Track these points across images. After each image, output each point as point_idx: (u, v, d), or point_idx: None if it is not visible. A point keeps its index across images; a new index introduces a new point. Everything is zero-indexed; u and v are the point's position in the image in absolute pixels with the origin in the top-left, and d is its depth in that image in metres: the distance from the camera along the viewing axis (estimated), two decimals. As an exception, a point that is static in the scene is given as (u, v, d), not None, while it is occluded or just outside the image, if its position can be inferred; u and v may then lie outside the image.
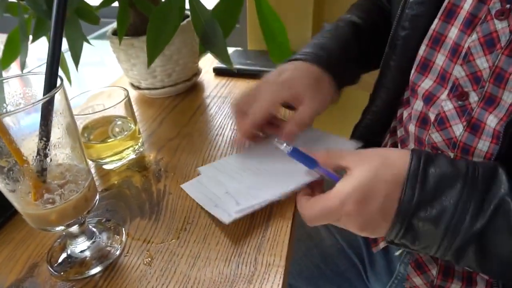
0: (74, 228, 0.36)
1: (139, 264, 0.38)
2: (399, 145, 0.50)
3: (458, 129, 0.40)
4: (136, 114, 0.66)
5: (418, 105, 0.44)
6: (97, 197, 0.37)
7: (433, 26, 0.41)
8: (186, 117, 0.63)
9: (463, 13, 0.39)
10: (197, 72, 0.74)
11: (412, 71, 0.44)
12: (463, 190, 0.33)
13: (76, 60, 0.53)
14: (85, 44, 0.56)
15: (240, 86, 0.74)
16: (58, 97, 0.31)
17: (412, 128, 0.45)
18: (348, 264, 0.61)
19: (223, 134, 0.58)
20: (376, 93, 0.52)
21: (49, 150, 0.32)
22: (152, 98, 0.71)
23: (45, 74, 0.31)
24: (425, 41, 0.42)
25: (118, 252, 0.39)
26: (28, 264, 0.38)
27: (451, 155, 0.41)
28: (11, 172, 0.31)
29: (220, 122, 0.61)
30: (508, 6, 0.35)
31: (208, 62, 0.83)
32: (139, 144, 0.54)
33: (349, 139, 0.54)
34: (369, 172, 0.35)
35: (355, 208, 0.35)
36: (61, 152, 0.33)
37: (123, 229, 0.41)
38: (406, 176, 0.34)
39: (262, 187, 0.44)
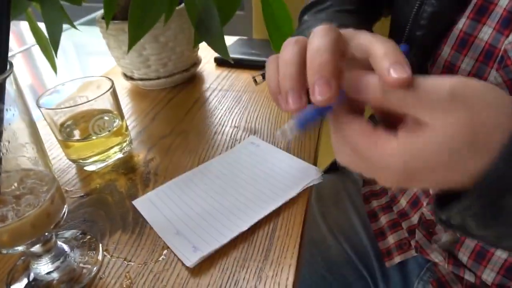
0: (37, 248, 0.30)
1: (116, 290, 0.31)
2: None
3: None
4: (128, 107, 0.60)
5: None
6: (65, 209, 0.30)
7: (459, 26, 0.36)
8: (182, 112, 0.57)
9: (499, 11, 0.34)
10: (196, 62, 0.67)
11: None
12: None
13: (55, 45, 0.47)
14: (91, 30, 0.50)
15: (243, 78, 0.67)
16: (8, 87, 0.24)
17: None
18: (357, 276, 0.55)
19: (223, 132, 0.51)
20: None
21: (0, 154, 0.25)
22: (146, 90, 0.64)
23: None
24: (450, 42, 0.37)
25: (92, 274, 0.32)
26: (-14, 286, 0.32)
27: None
28: None
29: (220, 118, 0.54)
30: None
31: (208, 51, 0.76)
32: (127, 141, 0.47)
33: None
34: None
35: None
36: (16, 156, 0.27)
37: (101, 245, 0.35)
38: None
39: (223, 222, 0.37)
